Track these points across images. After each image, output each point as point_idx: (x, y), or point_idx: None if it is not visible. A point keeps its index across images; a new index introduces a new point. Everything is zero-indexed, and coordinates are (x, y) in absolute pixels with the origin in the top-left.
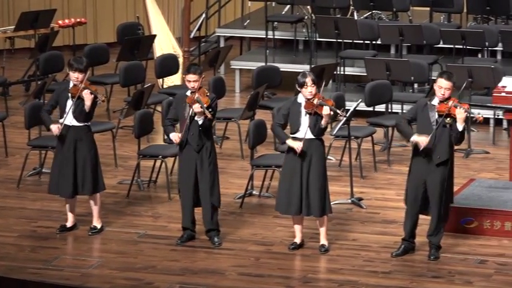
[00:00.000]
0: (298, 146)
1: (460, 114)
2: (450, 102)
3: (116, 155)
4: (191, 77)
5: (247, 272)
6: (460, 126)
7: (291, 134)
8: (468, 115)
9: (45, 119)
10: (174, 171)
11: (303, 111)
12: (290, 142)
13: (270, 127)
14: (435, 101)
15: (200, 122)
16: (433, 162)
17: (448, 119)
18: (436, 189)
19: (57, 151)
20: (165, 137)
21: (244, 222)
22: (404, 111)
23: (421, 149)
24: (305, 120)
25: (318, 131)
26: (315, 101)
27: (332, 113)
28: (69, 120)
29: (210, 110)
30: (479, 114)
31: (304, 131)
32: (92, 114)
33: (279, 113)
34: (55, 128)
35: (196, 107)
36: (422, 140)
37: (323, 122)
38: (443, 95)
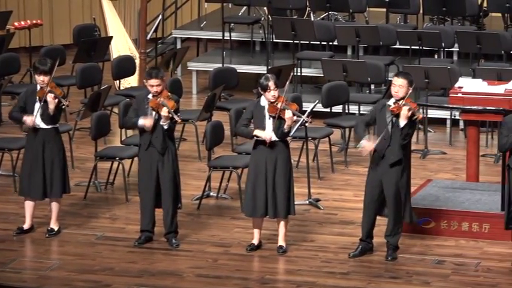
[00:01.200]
0: (266, 135)
1: (404, 111)
2: (402, 102)
3: (72, 157)
4: (153, 81)
5: (205, 274)
6: (401, 122)
7: (257, 137)
8: (413, 114)
9: (15, 115)
10: (131, 173)
11: (267, 114)
12: (258, 132)
13: (229, 129)
14: (391, 102)
15: (166, 127)
16: (387, 163)
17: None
18: (392, 189)
19: (25, 153)
20: (125, 137)
21: (202, 223)
22: (361, 112)
23: (364, 154)
24: (269, 123)
25: (282, 134)
26: (279, 105)
27: (295, 117)
28: (37, 122)
29: (178, 114)
30: (419, 112)
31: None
32: (59, 117)
33: (243, 116)
34: (29, 120)
35: (164, 112)
36: (367, 146)
37: (285, 126)
38: (397, 92)
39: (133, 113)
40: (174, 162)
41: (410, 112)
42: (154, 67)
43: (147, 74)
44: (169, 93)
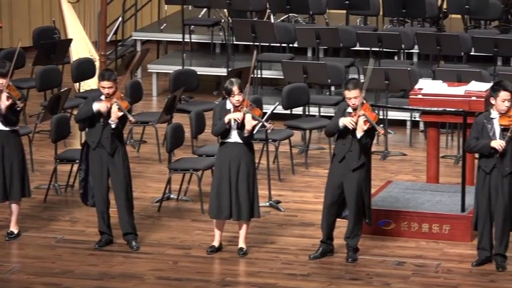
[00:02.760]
0: (238, 116)
1: (360, 122)
2: (360, 112)
3: (32, 159)
4: (106, 83)
5: (166, 276)
6: (358, 134)
7: (222, 139)
8: (373, 128)
9: None
10: None
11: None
12: (230, 115)
13: (189, 131)
14: (350, 108)
15: (113, 126)
16: (349, 167)
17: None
18: (353, 192)
19: None
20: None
21: (162, 226)
22: (321, 114)
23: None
24: (234, 126)
25: (246, 137)
26: (243, 110)
27: (255, 122)
28: None
29: (132, 114)
30: (382, 126)
31: (235, 136)
32: (16, 119)
33: (215, 119)
34: None
35: (115, 110)
36: (346, 121)
37: (245, 130)
38: (354, 104)
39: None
40: (125, 162)
41: (368, 125)
42: (107, 69)
43: (100, 75)
44: (122, 95)
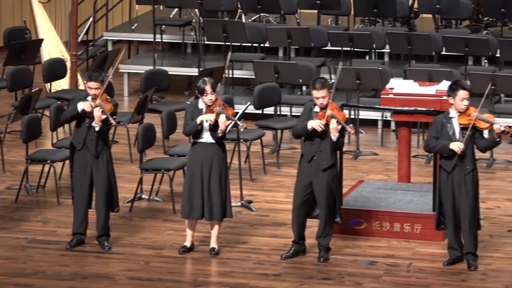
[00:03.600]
0: (210, 118)
1: (333, 125)
2: (328, 112)
3: (3, 160)
4: (93, 84)
5: (138, 276)
6: (333, 137)
7: (194, 139)
8: (343, 129)
9: None
10: (62, 176)
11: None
12: (202, 117)
13: (160, 132)
14: (317, 108)
15: (97, 129)
16: (318, 167)
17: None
18: (323, 191)
19: None
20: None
21: (134, 226)
22: (293, 113)
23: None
24: (207, 126)
25: (217, 138)
26: (215, 109)
27: (229, 121)
28: None
29: (114, 117)
30: (352, 126)
31: (207, 136)
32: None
33: (187, 119)
34: None
35: (98, 113)
36: (315, 124)
37: (219, 130)
38: (322, 103)
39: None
40: (108, 165)
41: (340, 126)
42: (95, 70)
43: (88, 76)
44: (108, 97)
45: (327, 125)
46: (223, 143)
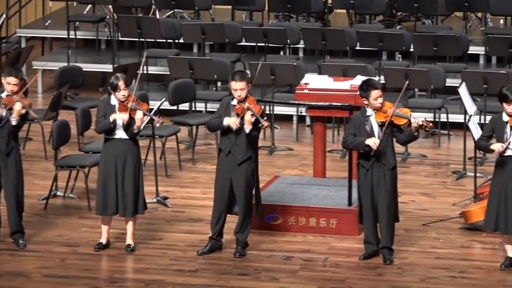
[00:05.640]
0: (123, 117)
1: (247, 117)
2: (245, 105)
3: None
4: (11, 79)
5: (53, 274)
6: (246, 128)
7: (107, 135)
8: (257, 121)
9: None
10: None
11: (117, 113)
12: (115, 115)
13: (75, 128)
14: (235, 101)
15: (14, 123)
16: (236, 161)
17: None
18: (241, 186)
19: None
20: None
21: (49, 223)
22: (208, 109)
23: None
24: (120, 122)
25: (132, 134)
26: (129, 104)
27: (146, 117)
28: None
29: (35, 110)
30: (265, 119)
31: (120, 133)
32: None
33: (99, 115)
34: None
35: (18, 108)
36: (230, 121)
37: (135, 126)
38: (240, 96)
39: None
40: (18, 163)
41: (254, 118)
42: (15, 66)
43: (7, 71)
44: (23, 95)
45: (243, 118)
46: (137, 139)
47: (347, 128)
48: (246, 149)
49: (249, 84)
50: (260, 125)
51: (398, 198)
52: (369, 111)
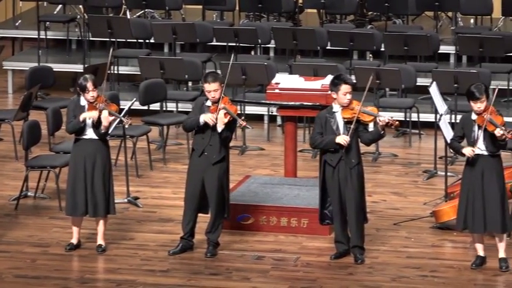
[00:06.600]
0: (93, 115)
1: (221, 115)
2: (221, 105)
3: None
4: None
5: (24, 274)
6: (219, 127)
7: (76, 136)
8: (233, 120)
9: None
10: None
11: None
12: (84, 114)
13: (46, 129)
14: (209, 102)
15: None
16: (209, 161)
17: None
18: (214, 186)
19: None
20: None
21: (20, 224)
22: (179, 109)
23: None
24: (89, 122)
25: (100, 135)
26: (98, 105)
27: (113, 117)
28: None
29: None
30: (243, 118)
31: (90, 133)
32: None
33: (69, 117)
34: None
35: None
36: (207, 117)
37: (102, 126)
38: (214, 97)
39: None
40: None
41: (229, 117)
42: None
43: None
44: None
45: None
46: (107, 139)
47: (313, 128)
48: (220, 149)
49: (222, 85)
50: (238, 124)
51: (366, 197)
52: (336, 108)
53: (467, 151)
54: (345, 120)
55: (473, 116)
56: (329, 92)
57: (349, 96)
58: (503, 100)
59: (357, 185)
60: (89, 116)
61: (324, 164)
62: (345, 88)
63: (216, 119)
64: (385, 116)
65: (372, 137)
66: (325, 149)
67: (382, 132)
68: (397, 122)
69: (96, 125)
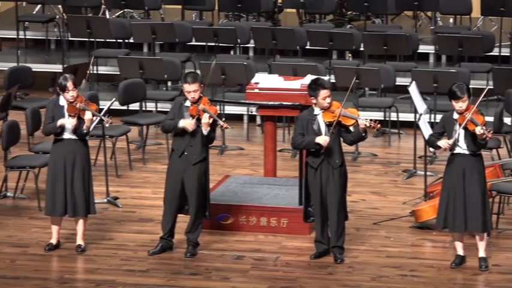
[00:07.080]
0: (72, 122)
1: (204, 119)
2: (200, 106)
3: None
4: None
5: (3, 275)
6: (204, 131)
7: (55, 136)
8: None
9: None
10: None
11: (66, 114)
12: (62, 120)
13: (25, 129)
14: (188, 102)
15: None
16: (190, 162)
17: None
18: (194, 186)
19: None
20: None
21: None
22: (158, 109)
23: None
24: (69, 122)
25: (81, 134)
26: (78, 105)
27: (94, 117)
28: None
29: None
30: (224, 120)
31: (69, 133)
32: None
33: (47, 116)
34: None
35: None
36: (186, 123)
37: (84, 126)
38: (193, 98)
39: None
40: None
41: (212, 120)
42: None
43: None
44: None
45: (198, 119)
46: (86, 139)
47: (295, 128)
48: (201, 150)
49: (202, 85)
50: (219, 125)
51: (347, 196)
52: (317, 110)
53: (442, 143)
54: (327, 123)
55: (455, 115)
56: (309, 97)
57: (328, 100)
58: (483, 99)
59: (339, 185)
60: (67, 123)
61: (306, 165)
62: (323, 93)
63: (197, 120)
64: (366, 119)
65: (354, 138)
66: (306, 149)
67: (364, 134)
68: (378, 125)
69: (75, 130)
